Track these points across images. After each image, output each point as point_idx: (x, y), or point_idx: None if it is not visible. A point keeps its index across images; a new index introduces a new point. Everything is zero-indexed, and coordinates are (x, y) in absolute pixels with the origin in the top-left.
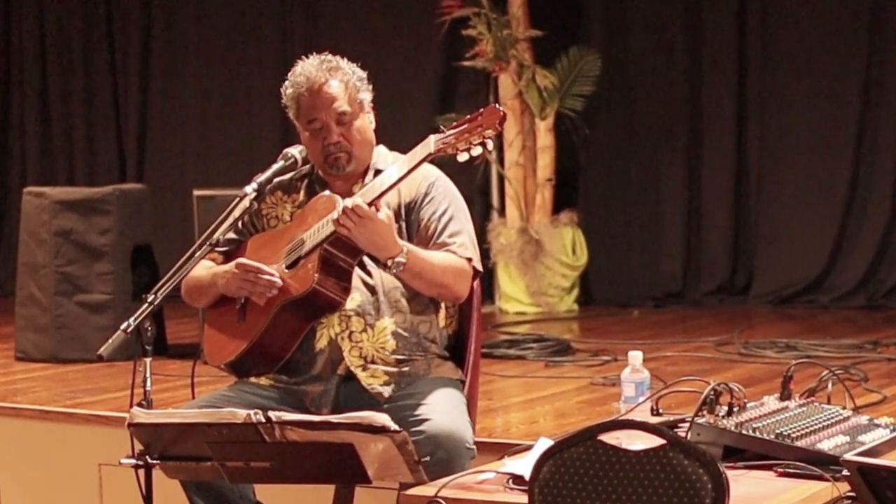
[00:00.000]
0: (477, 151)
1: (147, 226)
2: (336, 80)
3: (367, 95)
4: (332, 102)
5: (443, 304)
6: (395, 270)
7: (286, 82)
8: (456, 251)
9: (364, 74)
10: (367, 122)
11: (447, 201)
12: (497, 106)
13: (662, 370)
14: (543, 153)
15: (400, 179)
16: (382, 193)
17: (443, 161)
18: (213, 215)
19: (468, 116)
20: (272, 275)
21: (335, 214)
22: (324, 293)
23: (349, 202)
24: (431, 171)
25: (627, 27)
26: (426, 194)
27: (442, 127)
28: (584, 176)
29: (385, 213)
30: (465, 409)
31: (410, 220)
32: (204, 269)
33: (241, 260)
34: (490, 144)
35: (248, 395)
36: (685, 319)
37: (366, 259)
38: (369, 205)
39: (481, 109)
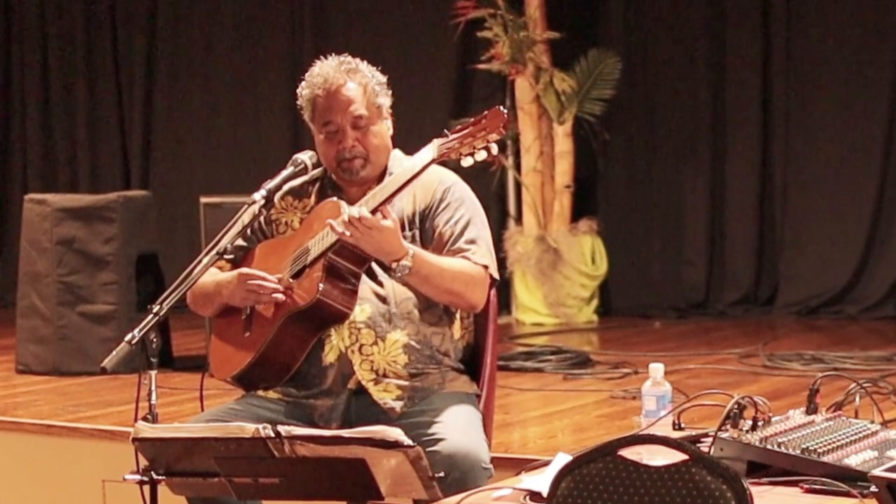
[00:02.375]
0: (481, 156)
1: (152, 234)
2: (354, 82)
3: (385, 100)
4: (349, 105)
5: (457, 316)
6: (399, 274)
7: (302, 83)
8: (471, 258)
9: (384, 79)
10: (384, 127)
11: (463, 207)
12: (501, 108)
13: (685, 383)
14: (562, 159)
15: (404, 185)
16: (386, 200)
17: (456, 167)
18: (221, 223)
19: (472, 120)
20: (274, 283)
21: (338, 225)
22: (329, 304)
23: (354, 210)
24: (447, 177)
25: (648, 28)
26: (441, 200)
27: (445, 131)
28: (604, 182)
29: (390, 219)
30: (480, 426)
31: (425, 228)
32: (210, 276)
33: (243, 269)
34: (494, 149)
35: (256, 408)
36: (708, 331)
37: (376, 269)
38: (374, 210)
39: (485, 112)
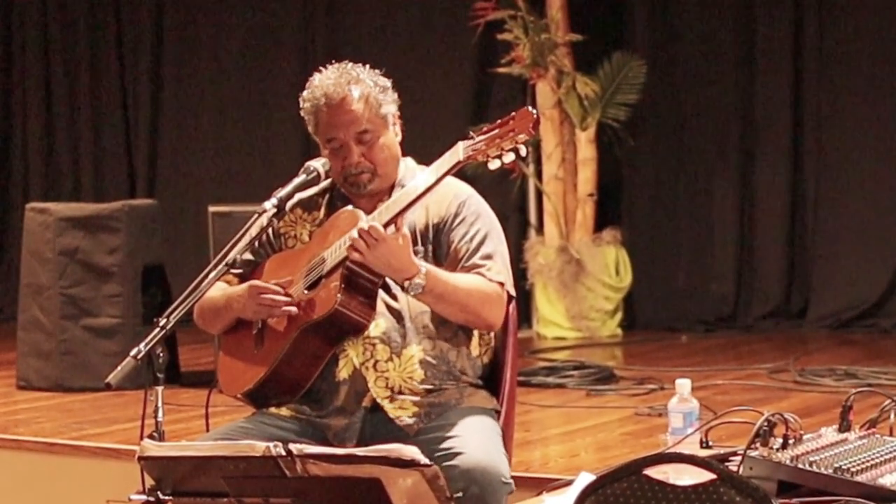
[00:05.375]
0: (509, 158)
1: (159, 244)
2: (356, 95)
3: (391, 108)
4: (353, 121)
5: (475, 333)
6: (412, 293)
7: (304, 93)
8: (486, 274)
9: (388, 84)
10: (391, 136)
11: (479, 222)
12: (530, 108)
13: (712, 399)
14: (584, 166)
15: (427, 191)
16: (407, 207)
17: (475, 175)
18: (230, 233)
19: (499, 121)
20: (286, 297)
21: (354, 233)
22: (347, 314)
23: (364, 224)
24: (462, 190)
25: (674, 31)
26: (456, 215)
27: (471, 133)
28: (628, 191)
29: (401, 234)
30: (500, 440)
31: (440, 242)
32: (218, 291)
33: (255, 282)
34: (523, 150)
35: (267, 426)
36: (737, 345)
37: (391, 282)
38: (388, 223)
39: (513, 113)
